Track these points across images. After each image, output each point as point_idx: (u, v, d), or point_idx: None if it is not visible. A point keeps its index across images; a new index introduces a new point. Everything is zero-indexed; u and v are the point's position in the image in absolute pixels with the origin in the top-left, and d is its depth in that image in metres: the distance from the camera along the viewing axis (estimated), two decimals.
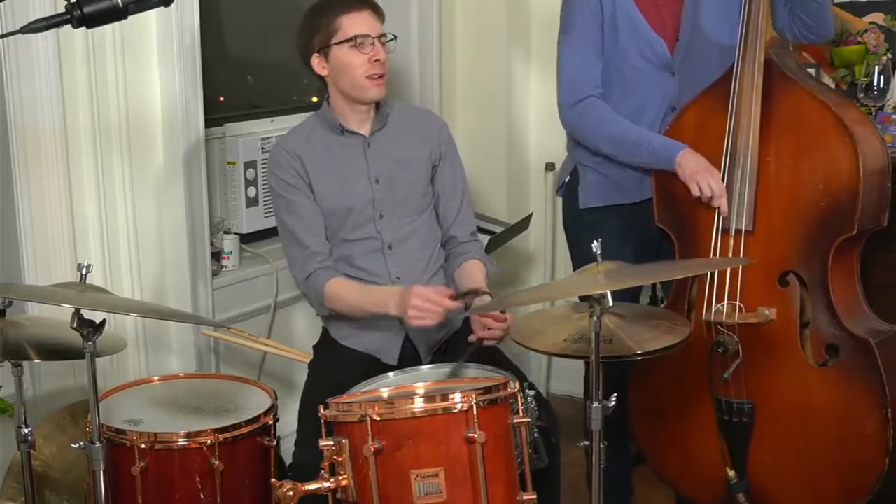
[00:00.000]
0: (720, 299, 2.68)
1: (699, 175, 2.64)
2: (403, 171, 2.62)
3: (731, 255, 2.64)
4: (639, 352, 2.17)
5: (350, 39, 2.52)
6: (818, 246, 2.58)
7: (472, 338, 2.44)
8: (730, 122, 2.65)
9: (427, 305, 2.33)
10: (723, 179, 2.64)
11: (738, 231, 2.65)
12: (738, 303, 2.66)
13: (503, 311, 2.43)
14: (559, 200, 3.14)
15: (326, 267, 2.56)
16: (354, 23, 2.53)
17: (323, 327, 2.72)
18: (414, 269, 2.62)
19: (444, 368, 2.40)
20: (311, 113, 2.71)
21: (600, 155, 2.86)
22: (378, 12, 2.57)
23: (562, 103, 2.84)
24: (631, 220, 2.88)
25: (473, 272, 2.63)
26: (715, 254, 2.67)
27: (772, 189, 2.63)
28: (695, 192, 2.64)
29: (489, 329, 2.43)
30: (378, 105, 2.63)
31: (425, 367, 2.45)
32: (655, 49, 2.80)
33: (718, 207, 2.64)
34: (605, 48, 2.80)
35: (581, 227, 2.97)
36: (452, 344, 2.61)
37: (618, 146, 2.78)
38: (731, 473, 2.72)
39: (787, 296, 2.63)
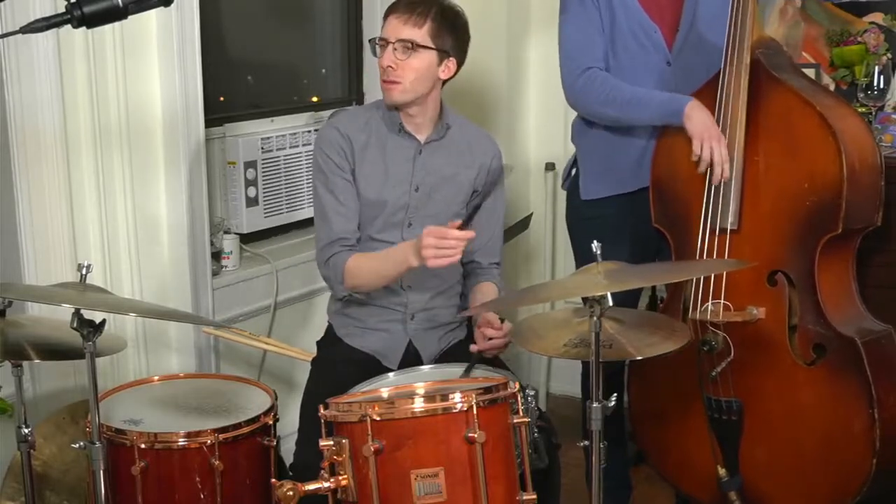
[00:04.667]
0: (709, 298, 2.68)
1: (706, 136, 2.63)
2: (446, 186, 2.61)
3: (716, 254, 2.65)
4: (639, 357, 2.17)
5: (373, 42, 2.54)
6: (804, 245, 2.59)
7: (473, 348, 2.46)
8: (717, 122, 2.65)
9: (439, 242, 2.30)
10: (709, 179, 2.65)
11: (723, 230, 2.65)
12: (725, 302, 2.67)
13: (502, 321, 2.45)
14: (559, 200, 3.15)
15: (349, 250, 2.54)
16: (384, 26, 2.53)
17: (328, 324, 2.72)
18: (427, 283, 2.62)
19: (447, 369, 2.40)
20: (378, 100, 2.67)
21: (600, 140, 2.86)
22: (413, 16, 2.48)
23: (564, 78, 2.84)
24: (630, 212, 2.88)
25: (487, 292, 2.64)
26: (702, 253, 2.67)
27: (759, 188, 2.64)
28: (696, 152, 2.63)
29: (490, 339, 2.44)
30: (440, 114, 2.61)
31: (426, 368, 2.46)
32: (650, 34, 2.80)
33: (720, 173, 2.61)
34: (604, 31, 2.80)
35: (580, 220, 2.99)
36: (457, 352, 2.61)
37: (624, 106, 2.76)
38: (722, 472, 2.73)
39: (775, 295, 2.63)
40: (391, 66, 2.48)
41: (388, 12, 2.53)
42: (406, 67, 2.49)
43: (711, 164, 2.63)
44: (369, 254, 2.55)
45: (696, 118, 2.65)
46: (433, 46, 2.50)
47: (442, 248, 2.30)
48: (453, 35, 2.54)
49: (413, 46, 2.47)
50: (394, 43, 2.48)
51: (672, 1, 2.83)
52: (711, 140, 2.62)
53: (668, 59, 2.82)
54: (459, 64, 2.59)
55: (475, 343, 2.46)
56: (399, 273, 2.47)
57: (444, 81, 2.59)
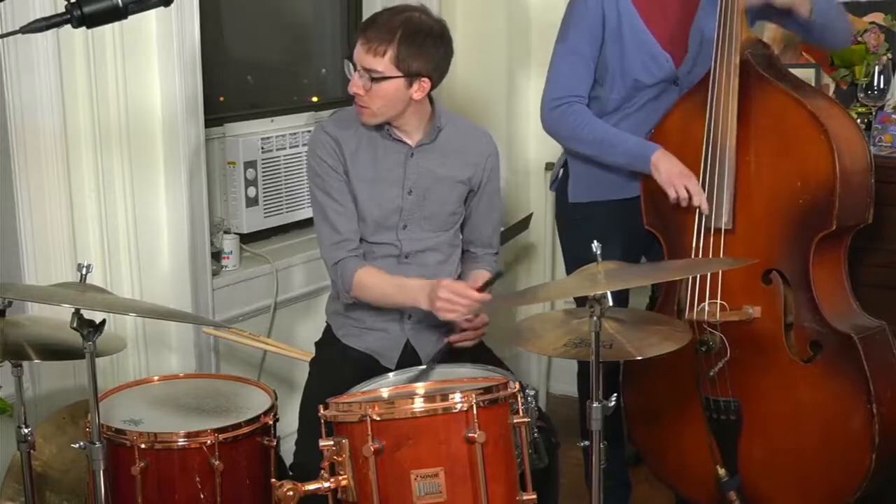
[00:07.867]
0: (704, 299, 2.68)
1: (675, 179, 2.67)
2: (439, 187, 2.59)
3: (711, 254, 2.66)
4: (639, 357, 2.18)
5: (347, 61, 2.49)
6: (798, 243, 2.59)
7: (445, 340, 2.48)
8: (709, 123, 2.65)
9: (455, 298, 2.36)
10: (704, 180, 2.66)
11: (717, 230, 2.66)
12: (721, 301, 2.67)
13: (476, 315, 2.46)
14: None
15: (357, 255, 2.53)
16: (355, 45, 2.48)
17: (326, 324, 2.72)
18: None
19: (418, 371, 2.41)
20: None
21: None
22: (375, 44, 2.40)
23: (543, 104, 2.85)
24: (617, 217, 2.89)
25: (479, 280, 2.61)
26: (697, 254, 2.68)
27: (752, 188, 2.64)
28: (672, 196, 2.68)
29: (462, 331, 2.48)
30: (431, 117, 2.57)
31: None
32: (661, 65, 2.80)
33: (699, 207, 2.65)
34: (610, 62, 2.80)
35: (568, 222, 3.01)
36: (455, 352, 2.60)
37: (596, 147, 2.80)
38: (722, 472, 2.73)
39: (771, 293, 2.64)
40: (358, 93, 2.46)
41: (358, 32, 2.47)
42: (373, 95, 2.44)
43: (690, 199, 2.66)
44: (382, 275, 2.52)
45: (663, 168, 2.69)
46: (398, 74, 2.42)
47: (455, 304, 2.36)
48: (422, 56, 2.43)
49: (377, 77, 2.42)
50: (359, 70, 2.45)
51: (681, 27, 2.82)
52: (682, 181, 2.66)
53: (675, 80, 2.83)
54: (438, 78, 2.50)
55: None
56: (406, 305, 2.51)
57: (429, 93, 2.52)
